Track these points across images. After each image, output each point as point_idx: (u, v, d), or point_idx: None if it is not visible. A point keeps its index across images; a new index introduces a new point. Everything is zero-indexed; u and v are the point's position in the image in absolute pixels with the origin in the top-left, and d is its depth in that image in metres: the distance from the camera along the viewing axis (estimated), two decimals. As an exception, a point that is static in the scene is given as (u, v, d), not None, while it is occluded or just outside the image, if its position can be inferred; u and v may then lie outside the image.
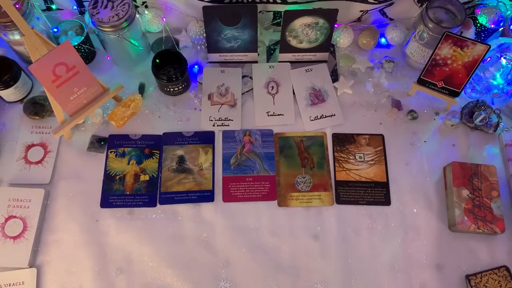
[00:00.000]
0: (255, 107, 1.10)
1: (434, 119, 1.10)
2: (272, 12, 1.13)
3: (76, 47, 1.08)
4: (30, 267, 0.94)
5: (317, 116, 1.10)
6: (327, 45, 1.12)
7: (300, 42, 1.11)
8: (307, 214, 1.00)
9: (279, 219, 1.00)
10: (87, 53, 1.12)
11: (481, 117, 1.05)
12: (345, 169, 1.05)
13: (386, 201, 1.02)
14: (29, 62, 1.09)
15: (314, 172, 1.04)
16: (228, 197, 1.01)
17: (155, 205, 1.00)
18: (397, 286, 0.94)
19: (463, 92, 1.05)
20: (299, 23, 1.06)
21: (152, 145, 1.06)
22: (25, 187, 0.99)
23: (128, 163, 1.04)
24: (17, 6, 0.98)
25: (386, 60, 1.16)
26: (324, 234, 0.98)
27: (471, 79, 1.02)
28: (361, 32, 1.18)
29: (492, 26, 1.10)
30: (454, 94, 1.05)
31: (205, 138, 1.07)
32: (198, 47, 1.18)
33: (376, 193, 1.02)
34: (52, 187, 1.01)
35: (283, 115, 1.10)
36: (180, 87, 1.09)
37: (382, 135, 1.08)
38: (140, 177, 1.03)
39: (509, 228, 0.98)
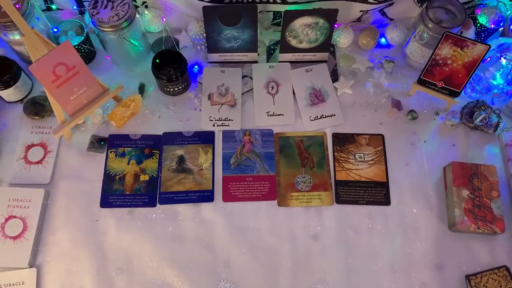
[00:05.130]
0: (255, 107, 1.10)
1: (434, 119, 1.10)
2: (272, 12, 1.13)
3: (76, 47, 1.08)
4: (30, 267, 0.94)
5: (317, 116, 1.09)
6: (327, 45, 1.12)
7: (300, 42, 1.11)
8: (307, 214, 1.00)
9: (279, 219, 1.00)
10: (87, 53, 1.12)
11: (481, 117, 1.05)
12: (345, 169, 1.05)
13: (386, 201, 1.01)
14: (29, 62, 1.09)
15: (314, 172, 1.04)
16: (228, 197, 1.01)
17: (155, 205, 1.00)
18: (397, 286, 0.94)
19: (463, 92, 1.05)
20: (299, 23, 1.06)
21: (152, 145, 1.06)
22: (25, 187, 0.99)
23: (128, 163, 1.04)
24: (17, 6, 0.98)
25: (386, 60, 1.16)
26: (324, 234, 0.98)
27: (471, 79, 1.02)
28: (361, 32, 1.18)
29: (492, 26, 1.10)
30: (454, 94, 1.05)
31: (205, 138, 1.07)
32: (198, 47, 1.18)
33: (376, 193, 1.02)
34: (52, 187, 1.01)
35: (283, 115, 1.10)
36: (180, 87, 1.09)
37: (382, 135, 1.08)
38: (140, 177, 1.03)
39: (509, 228, 0.98)
